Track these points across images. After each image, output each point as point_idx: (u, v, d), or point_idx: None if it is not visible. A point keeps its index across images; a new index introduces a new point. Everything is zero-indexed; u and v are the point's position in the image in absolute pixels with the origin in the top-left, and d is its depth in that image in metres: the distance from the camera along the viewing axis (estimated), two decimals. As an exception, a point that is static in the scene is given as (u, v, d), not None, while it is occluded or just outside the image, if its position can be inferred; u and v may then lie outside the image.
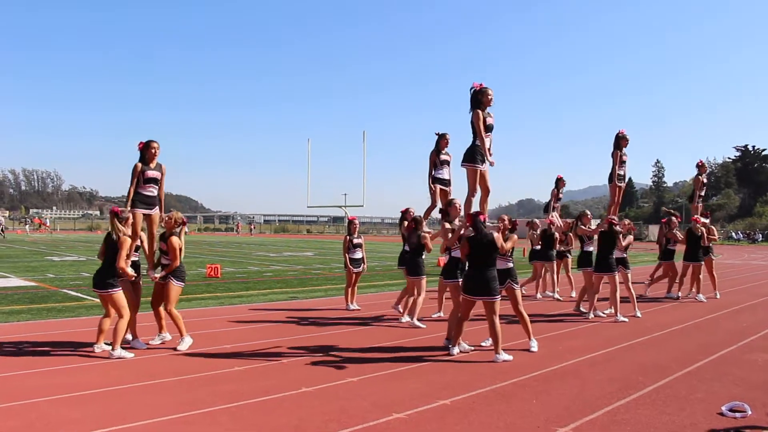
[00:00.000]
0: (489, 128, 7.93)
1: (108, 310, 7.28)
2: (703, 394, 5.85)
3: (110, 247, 7.18)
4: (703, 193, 14.46)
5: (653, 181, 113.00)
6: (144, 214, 7.71)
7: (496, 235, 7.36)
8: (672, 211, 15.72)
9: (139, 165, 7.66)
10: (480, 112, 7.76)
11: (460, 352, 7.55)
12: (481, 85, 7.83)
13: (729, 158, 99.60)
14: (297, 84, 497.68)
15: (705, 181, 14.49)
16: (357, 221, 11.67)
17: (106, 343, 7.23)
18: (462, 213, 8.04)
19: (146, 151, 7.70)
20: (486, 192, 8.16)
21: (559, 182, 13.84)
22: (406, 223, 10.32)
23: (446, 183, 9.88)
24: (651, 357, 7.51)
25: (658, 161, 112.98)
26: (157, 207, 7.88)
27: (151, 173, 7.70)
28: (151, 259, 7.96)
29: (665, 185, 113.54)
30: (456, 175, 9.38)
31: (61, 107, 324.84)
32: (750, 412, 5.21)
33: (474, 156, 7.80)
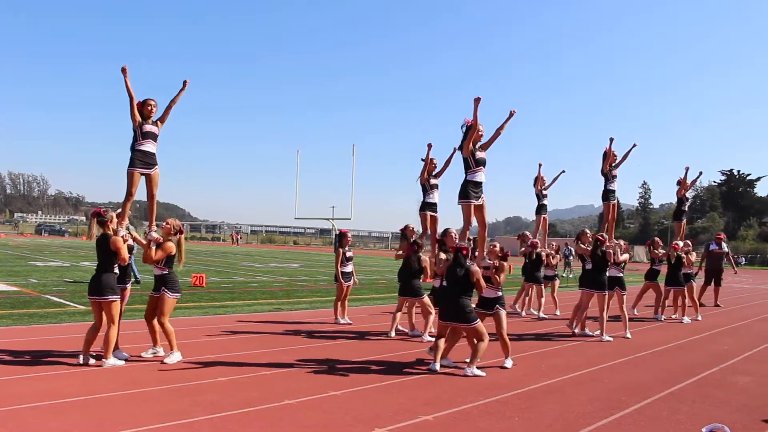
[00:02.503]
0: (480, 162, 8.04)
1: (98, 321, 7.13)
2: (685, 416, 5.88)
3: (102, 252, 7.09)
4: (685, 208, 14.53)
5: (640, 203, 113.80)
6: (142, 173, 7.62)
7: (474, 269, 7.45)
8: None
9: (138, 119, 7.61)
10: (470, 146, 7.97)
11: (442, 366, 7.55)
12: (472, 121, 7.98)
13: (714, 182, 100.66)
14: (288, 95, 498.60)
15: (688, 196, 14.56)
16: (350, 234, 11.67)
17: (91, 356, 7.10)
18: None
19: (143, 109, 7.67)
20: (483, 226, 8.30)
21: (537, 181, 13.90)
22: (404, 242, 10.25)
23: (435, 208, 9.95)
24: (633, 377, 7.55)
25: (644, 183, 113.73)
26: (156, 166, 7.78)
27: (149, 127, 7.64)
28: (152, 219, 7.89)
29: (651, 206, 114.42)
30: (450, 199, 9.45)
31: (49, 111, 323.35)
32: (730, 435, 5.25)
33: (467, 193, 7.96)
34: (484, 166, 8.11)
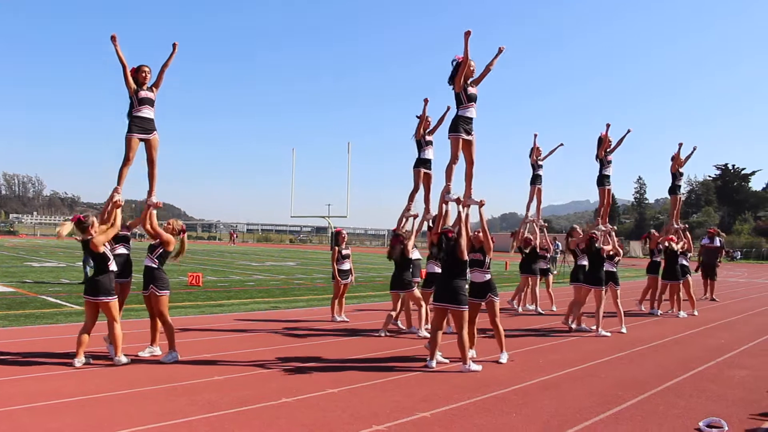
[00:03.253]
0: (471, 98, 8.01)
1: (89, 322, 7.10)
2: (681, 410, 5.90)
3: (93, 255, 7.10)
4: (680, 183, 14.55)
5: (635, 198, 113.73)
6: (141, 139, 7.58)
7: (460, 241, 7.46)
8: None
9: (133, 86, 7.58)
10: (461, 82, 7.89)
11: (438, 363, 7.56)
12: (463, 56, 7.91)
13: (709, 176, 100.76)
14: (283, 93, 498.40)
15: (682, 171, 14.56)
16: (344, 232, 11.65)
17: (86, 356, 7.07)
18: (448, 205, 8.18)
19: (137, 75, 7.65)
20: (471, 164, 8.25)
21: (533, 151, 13.90)
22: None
23: (429, 165, 9.95)
24: (630, 372, 7.57)
25: (640, 178, 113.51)
26: (155, 132, 7.73)
27: (145, 93, 7.63)
28: (152, 186, 7.80)
29: (647, 202, 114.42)
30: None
31: (43, 112, 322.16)
32: (727, 428, 5.27)
33: (458, 127, 7.94)
34: (475, 102, 8.07)
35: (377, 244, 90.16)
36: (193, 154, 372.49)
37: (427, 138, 9.99)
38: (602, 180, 12.20)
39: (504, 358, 7.81)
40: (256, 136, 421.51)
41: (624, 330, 10.70)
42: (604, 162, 12.10)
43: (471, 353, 7.92)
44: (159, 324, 7.64)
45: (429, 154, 9.98)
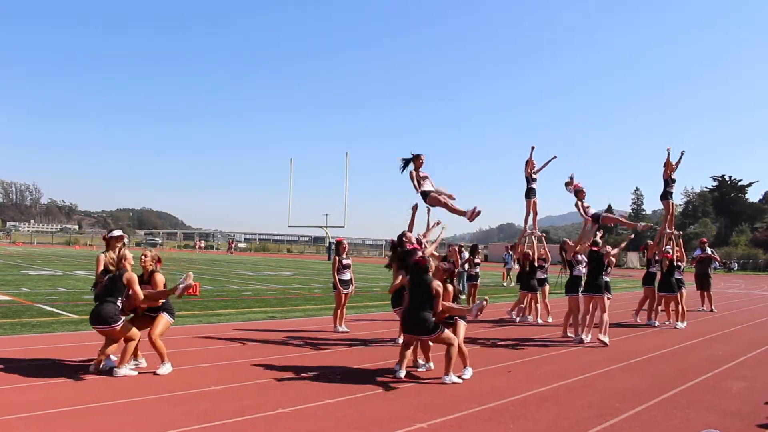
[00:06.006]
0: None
1: (108, 342, 7.03)
2: (678, 421, 5.89)
3: (108, 282, 7.00)
4: (672, 189, 14.56)
5: (632, 209, 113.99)
6: None
7: (436, 283, 7.37)
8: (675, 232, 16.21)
9: None
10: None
11: (406, 374, 7.51)
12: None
13: (706, 188, 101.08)
14: (281, 103, 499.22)
15: (675, 177, 14.56)
16: (346, 242, 11.60)
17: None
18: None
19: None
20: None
21: (528, 164, 13.99)
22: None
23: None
24: (628, 383, 7.56)
25: (637, 189, 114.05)
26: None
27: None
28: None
29: (644, 213, 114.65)
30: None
31: (41, 120, 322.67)
32: (724, 440, 5.26)
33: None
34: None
35: (375, 254, 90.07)
36: (191, 163, 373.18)
37: (422, 174, 9.94)
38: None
39: (468, 373, 7.51)
40: (254, 146, 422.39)
41: (606, 339, 10.49)
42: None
43: (430, 365, 7.87)
44: (151, 341, 7.26)
45: (428, 187, 9.95)
